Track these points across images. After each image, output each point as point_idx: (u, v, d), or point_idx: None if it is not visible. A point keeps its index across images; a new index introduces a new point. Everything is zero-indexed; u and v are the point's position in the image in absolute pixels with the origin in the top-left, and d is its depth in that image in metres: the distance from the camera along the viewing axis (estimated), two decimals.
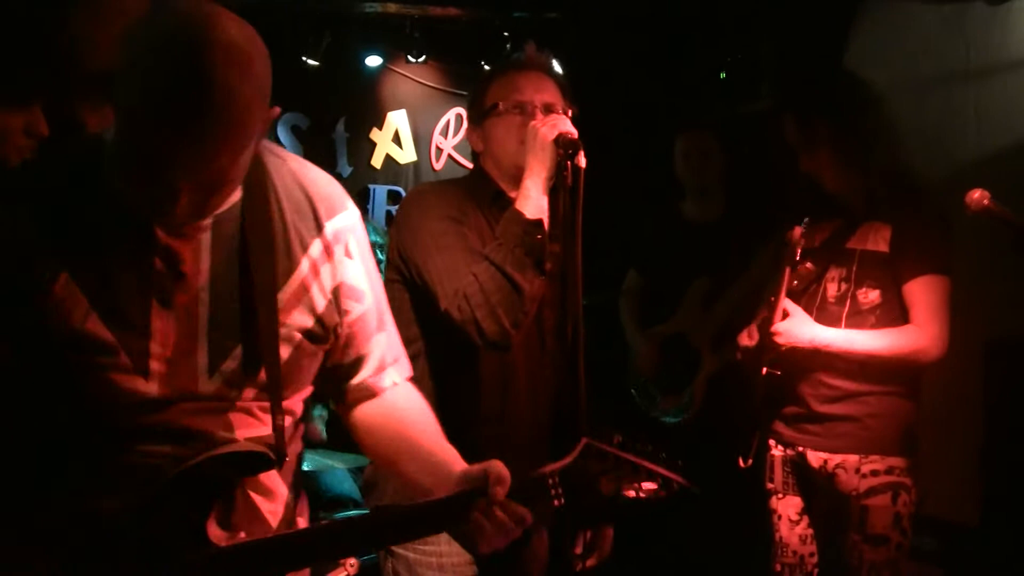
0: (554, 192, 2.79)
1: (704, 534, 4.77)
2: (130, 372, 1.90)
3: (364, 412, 2.25)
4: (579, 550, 2.93)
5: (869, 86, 3.77)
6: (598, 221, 2.75)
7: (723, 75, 6.17)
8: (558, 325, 2.86)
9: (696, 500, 2.33)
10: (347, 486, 4.93)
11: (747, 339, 3.69)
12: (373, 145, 6.92)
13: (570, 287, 2.58)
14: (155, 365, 1.92)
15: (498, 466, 2.03)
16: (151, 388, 1.91)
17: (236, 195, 1.98)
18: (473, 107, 3.15)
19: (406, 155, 6.97)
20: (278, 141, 6.63)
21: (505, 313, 2.74)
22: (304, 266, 2.04)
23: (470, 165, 6.79)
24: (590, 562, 3.02)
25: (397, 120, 6.92)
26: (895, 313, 3.51)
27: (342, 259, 2.10)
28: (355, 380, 2.22)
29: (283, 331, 2.00)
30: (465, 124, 6.85)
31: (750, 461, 3.70)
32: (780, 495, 3.74)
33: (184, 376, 1.93)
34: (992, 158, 4.37)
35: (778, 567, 3.75)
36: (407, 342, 2.92)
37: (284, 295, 2.01)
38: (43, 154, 2.04)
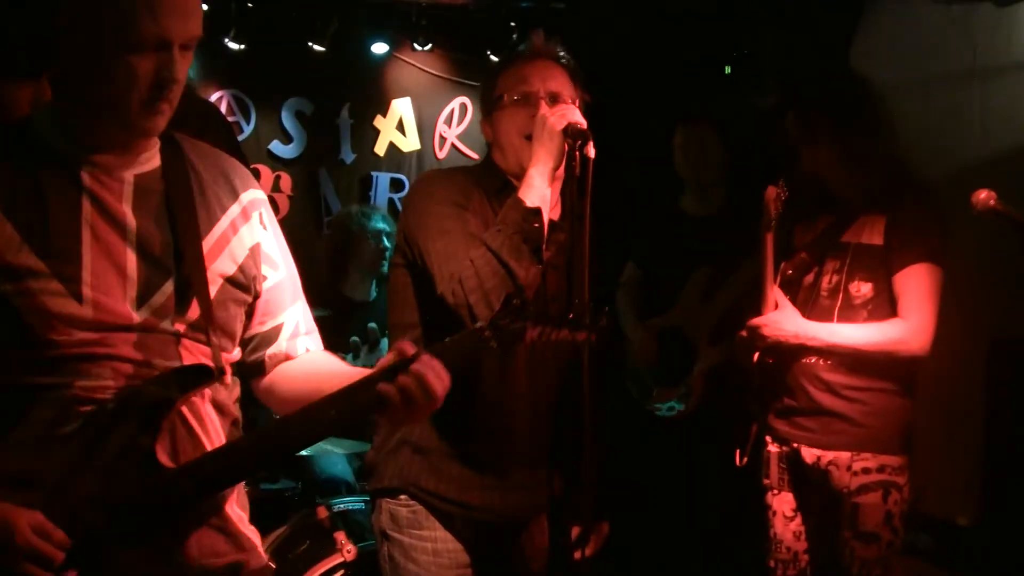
0: (564, 182, 2.79)
1: (700, 529, 4.79)
2: (63, 296, 2.00)
3: (279, 372, 2.36)
4: (575, 540, 2.96)
5: (870, 83, 3.78)
6: (598, 212, 2.76)
7: (728, 69, 6.18)
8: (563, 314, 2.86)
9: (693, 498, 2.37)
10: (340, 468, 4.97)
11: (743, 333, 3.69)
12: (377, 132, 6.90)
13: (576, 277, 2.58)
14: (87, 292, 2.02)
15: (403, 342, 2.13)
16: (85, 312, 2.02)
17: (155, 161, 2.16)
18: (483, 98, 3.16)
19: (410, 143, 6.95)
20: (282, 126, 6.65)
21: (498, 299, 2.69)
22: (224, 222, 2.22)
23: (474, 154, 6.93)
24: (587, 551, 3.03)
25: (401, 108, 6.90)
26: (887, 308, 3.52)
27: (257, 225, 2.29)
28: (272, 348, 2.35)
29: (208, 274, 2.15)
30: (470, 113, 6.91)
31: (746, 459, 3.72)
32: (775, 491, 3.75)
33: (114, 304, 2.04)
34: (998, 158, 4.38)
35: (772, 563, 3.76)
36: (408, 326, 2.99)
37: (207, 244, 2.17)
38: None
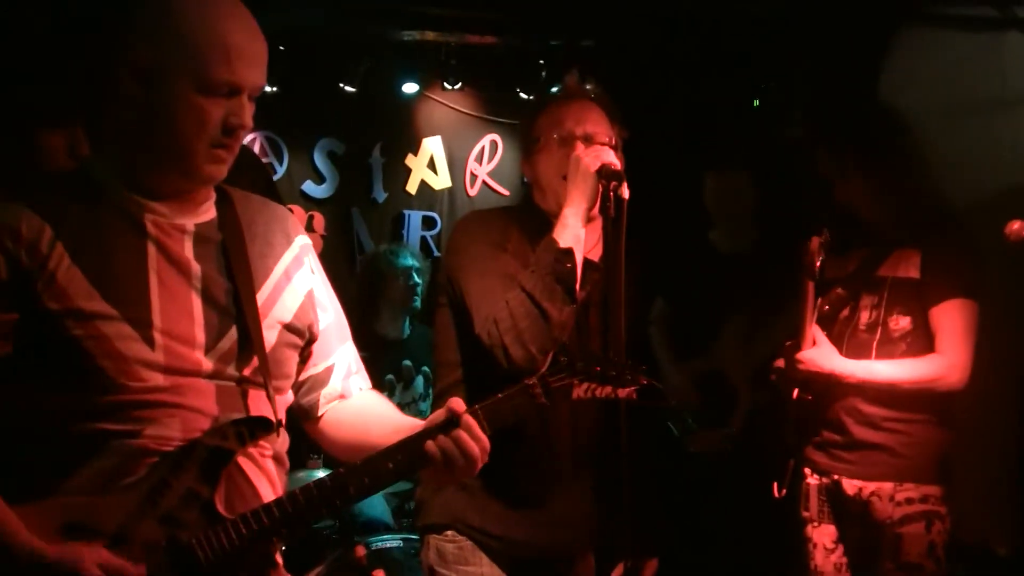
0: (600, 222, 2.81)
1: (741, 562, 4.76)
2: (136, 340, 2.02)
3: (332, 413, 2.39)
4: None
5: (900, 114, 3.79)
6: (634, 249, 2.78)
7: (756, 103, 6.19)
8: (602, 353, 2.87)
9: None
10: (378, 507, 4.97)
11: (776, 371, 3.70)
12: (408, 171, 6.95)
13: (613, 317, 2.60)
14: (158, 337, 2.04)
15: (453, 400, 2.17)
16: (157, 357, 2.04)
17: (212, 212, 2.19)
18: (522, 139, 3.20)
19: (441, 181, 7.00)
20: (315, 166, 6.70)
21: (532, 339, 2.77)
22: (278, 270, 2.25)
23: (505, 191, 6.97)
24: None
25: (432, 146, 6.96)
26: (926, 340, 3.52)
27: (309, 272, 2.33)
28: (327, 388, 2.38)
29: (267, 321, 2.18)
30: (500, 150, 6.96)
31: (784, 491, 3.70)
32: (815, 523, 3.73)
33: (184, 349, 2.07)
34: None
35: None
36: (451, 365, 3.03)
37: (264, 292, 2.21)
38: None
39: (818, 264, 3.47)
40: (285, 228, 2.33)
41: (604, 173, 2.76)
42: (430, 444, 2.12)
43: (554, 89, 6.12)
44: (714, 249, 5.03)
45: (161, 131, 2.04)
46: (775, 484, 3.69)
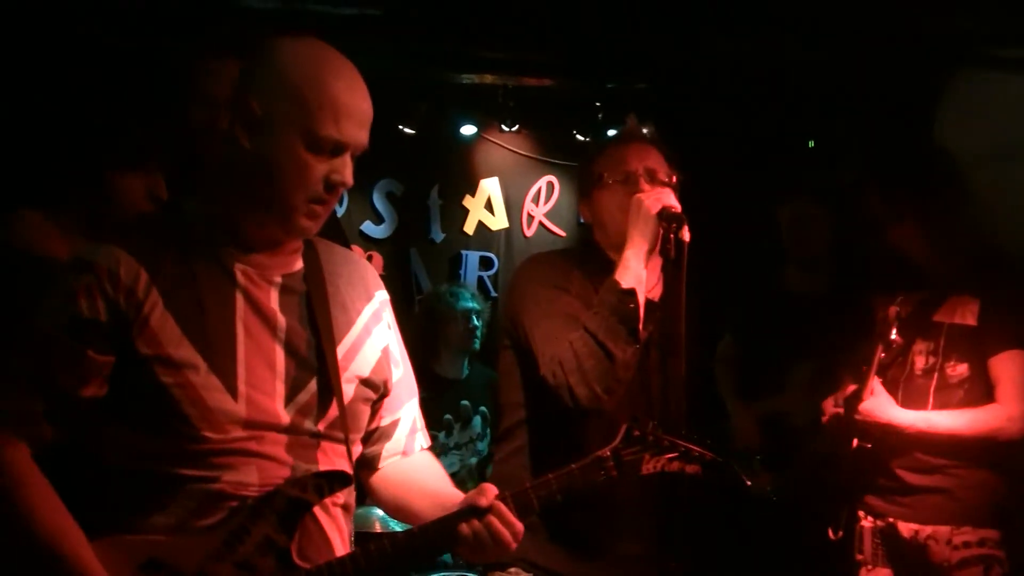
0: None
1: None
2: (220, 392, 2.06)
3: (389, 468, 2.42)
4: None
5: (953, 158, 3.78)
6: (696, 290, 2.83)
7: (811, 144, 6.19)
8: (663, 391, 2.91)
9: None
10: None
11: (832, 406, 3.69)
12: (466, 212, 7.01)
13: (673, 357, 2.64)
14: (242, 387, 2.08)
15: (484, 486, 2.21)
16: (239, 409, 2.07)
17: (298, 263, 2.23)
18: (580, 180, 3.25)
19: (498, 222, 7.06)
20: (373, 207, 6.78)
21: (596, 380, 2.81)
22: (359, 324, 2.29)
23: (561, 231, 7.01)
24: None
25: (490, 187, 7.01)
26: (984, 387, 3.51)
27: (386, 327, 2.37)
28: (391, 441, 2.41)
29: (346, 375, 2.22)
30: (556, 191, 7.01)
31: (840, 533, 3.69)
32: (870, 567, 3.71)
33: (266, 402, 2.10)
34: None
35: None
36: (514, 406, 3.08)
37: (344, 345, 2.24)
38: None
39: (892, 333, 3.48)
40: (366, 282, 2.36)
41: (665, 215, 2.82)
42: (464, 527, 2.16)
43: (611, 132, 6.22)
44: (786, 288, 4.94)
45: (265, 182, 2.08)
46: (829, 529, 3.68)
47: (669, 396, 2.80)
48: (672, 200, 2.89)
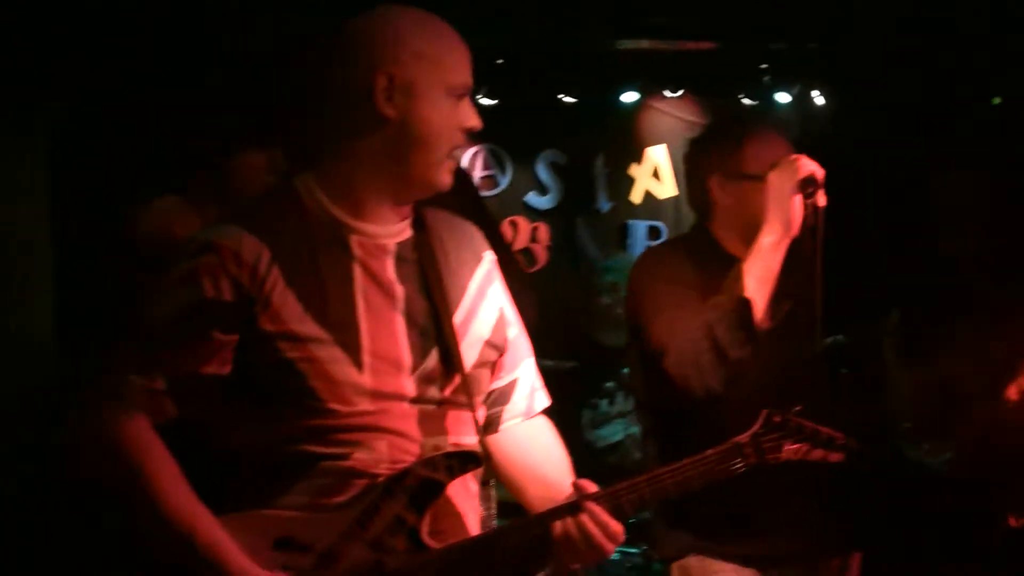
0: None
1: None
2: (346, 364, 2.06)
3: (509, 434, 2.39)
4: None
5: None
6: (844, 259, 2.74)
7: (996, 100, 5.91)
8: (797, 376, 2.82)
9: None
10: None
11: (1015, 393, 3.53)
12: (632, 181, 6.95)
13: (805, 332, 2.58)
14: (366, 358, 2.07)
15: (583, 483, 2.17)
16: (365, 380, 2.07)
17: (408, 231, 2.22)
18: (724, 164, 3.15)
19: (666, 190, 6.96)
20: (537, 178, 6.78)
21: (713, 373, 2.81)
22: (472, 287, 2.28)
23: None
24: None
25: (656, 155, 6.93)
26: None
27: (499, 286, 2.36)
28: (511, 402, 2.38)
29: (467, 339, 2.21)
30: None
31: (1023, 520, 3.54)
32: None
33: (390, 372, 2.10)
34: None
35: None
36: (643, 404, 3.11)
37: (462, 310, 2.23)
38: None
39: None
40: (473, 244, 2.35)
41: (805, 182, 2.77)
42: (558, 525, 2.12)
43: (780, 95, 6.08)
44: (946, 255, 4.84)
45: (416, 144, 2.10)
46: (1010, 516, 3.53)
47: (803, 380, 2.70)
48: (810, 166, 2.81)
